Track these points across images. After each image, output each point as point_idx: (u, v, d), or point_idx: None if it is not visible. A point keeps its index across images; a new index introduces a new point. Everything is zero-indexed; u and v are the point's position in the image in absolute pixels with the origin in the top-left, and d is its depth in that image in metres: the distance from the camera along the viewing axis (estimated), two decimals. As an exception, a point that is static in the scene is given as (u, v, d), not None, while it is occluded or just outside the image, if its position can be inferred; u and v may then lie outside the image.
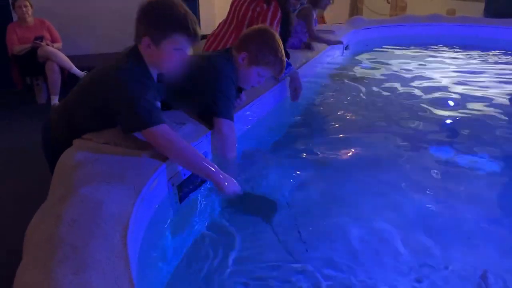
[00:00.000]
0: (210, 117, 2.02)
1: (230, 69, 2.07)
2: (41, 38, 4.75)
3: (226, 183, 1.65)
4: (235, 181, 1.70)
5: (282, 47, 2.11)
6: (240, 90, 2.27)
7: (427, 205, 2.01)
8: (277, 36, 2.12)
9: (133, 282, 1.02)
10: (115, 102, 1.64)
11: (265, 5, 2.97)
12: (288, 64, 2.97)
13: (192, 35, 1.67)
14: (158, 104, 1.73)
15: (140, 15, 1.69)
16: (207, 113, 2.03)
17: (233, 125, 2.02)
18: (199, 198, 1.81)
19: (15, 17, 4.94)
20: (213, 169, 1.65)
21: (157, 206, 1.55)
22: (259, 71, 2.08)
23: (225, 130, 1.98)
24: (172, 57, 1.69)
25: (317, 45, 4.11)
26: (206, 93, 2.02)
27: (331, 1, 4.24)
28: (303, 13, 3.99)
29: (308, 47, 4.06)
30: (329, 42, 4.37)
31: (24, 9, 4.74)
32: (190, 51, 1.75)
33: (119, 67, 1.67)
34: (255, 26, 2.29)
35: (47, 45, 4.77)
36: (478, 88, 3.83)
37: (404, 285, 1.49)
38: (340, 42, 4.58)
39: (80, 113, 1.78)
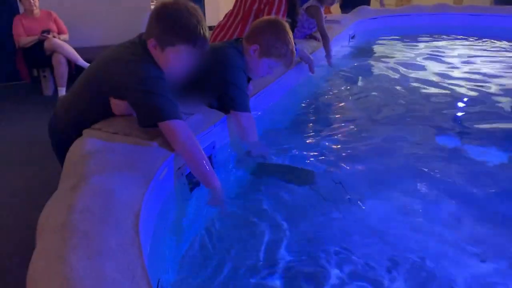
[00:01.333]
0: (223, 108, 2.03)
1: (241, 59, 2.07)
2: (48, 31, 4.77)
3: (221, 196, 1.65)
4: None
5: (293, 38, 2.11)
6: (248, 80, 2.27)
7: (435, 192, 2.03)
8: (288, 27, 2.11)
9: (146, 268, 1.04)
10: (134, 95, 1.63)
11: None
12: None
13: (199, 46, 1.66)
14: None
15: (153, 15, 1.67)
16: (218, 104, 2.04)
17: (251, 116, 2.03)
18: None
19: (21, 9, 4.95)
20: (215, 176, 1.64)
21: (167, 194, 1.57)
22: (270, 62, 2.08)
23: (244, 123, 2.00)
24: (176, 64, 1.69)
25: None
26: (216, 84, 2.02)
27: (336, 0, 4.11)
28: (312, 12, 3.92)
29: (314, 37, 4.04)
30: (327, 52, 3.96)
31: (31, 1, 4.75)
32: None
33: (137, 60, 1.65)
34: (265, 17, 2.27)
35: (54, 37, 4.78)
36: (488, 78, 3.80)
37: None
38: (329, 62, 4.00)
39: (89, 102, 1.78)
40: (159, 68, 1.68)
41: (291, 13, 3.07)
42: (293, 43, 2.09)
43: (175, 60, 1.67)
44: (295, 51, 2.10)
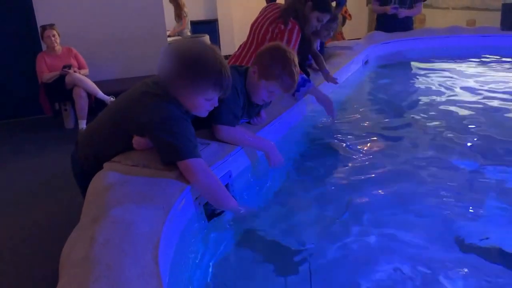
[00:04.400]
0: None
1: (239, 81, 2.09)
2: (69, 66, 4.94)
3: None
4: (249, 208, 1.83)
5: (294, 63, 2.10)
6: (258, 106, 2.29)
7: (454, 215, 2.01)
8: (290, 52, 2.13)
9: (166, 299, 1.06)
10: (154, 135, 1.68)
11: (282, 26, 3.01)
12: (307, 81, 2.97)
13: (224, 89, 1.73)
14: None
15: (176, 62, 1.69)
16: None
17: (230, 130, 2.03)
18: (226, 215, 1.84)
19: (44, 47, 5.15)
20: (231, 200, 1.73)
21: (185, 225, 1.60)
22: (268, 85, 2.09)
23: (220, 136, 2.03)
24: (202, 106, 1.75)
25: (335, 61, 4.14)
26: None
27: (331, 34, 3.76)
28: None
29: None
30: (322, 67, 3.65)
31: (52, 38, 4.94)
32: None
33: (159, 100, 1.69)
34: (269, 43, 2.32)
35: (75, 72, 4.95)
36: (503, 99, 3.77)
37: None
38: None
39: (110, 137, 1.84)
40: (180, 106, 1.73)
41: (304, 45, 3.11)
42: (293, 69, 2.08)
43: (203, 103, 1.74)
44: (294, 77, 2.09)
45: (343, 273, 1.64)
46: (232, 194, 1.94)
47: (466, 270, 1.63)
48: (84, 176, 1.84)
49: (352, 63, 4.55)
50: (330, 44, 5.35)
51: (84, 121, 4.84)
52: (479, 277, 1.60)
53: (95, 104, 4.93)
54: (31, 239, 2.81)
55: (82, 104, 4.86)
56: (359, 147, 2.85)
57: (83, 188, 1.73)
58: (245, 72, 2.16)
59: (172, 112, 1.68)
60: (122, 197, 1.48)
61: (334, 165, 2.63)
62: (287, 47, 2.22)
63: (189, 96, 1.71)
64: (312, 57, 3.62)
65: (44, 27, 4.98)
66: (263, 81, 2.09)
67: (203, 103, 1.74)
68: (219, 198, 1.71)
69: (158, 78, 1.79)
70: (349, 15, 8.31)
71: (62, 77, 4.90)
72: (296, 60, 2.13)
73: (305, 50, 3.11)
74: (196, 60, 1.69)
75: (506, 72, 4.77)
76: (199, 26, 8.16)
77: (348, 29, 8.48)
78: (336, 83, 3.58)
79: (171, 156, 1.66)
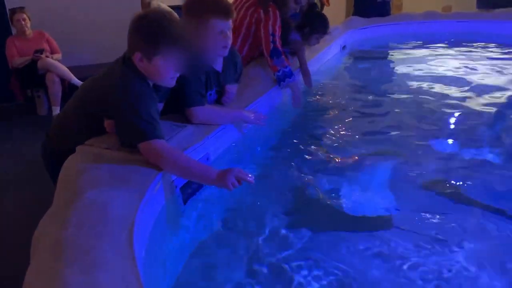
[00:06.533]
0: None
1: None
2: (41, 51, 4.79)
3: (225, 180, 1.58)
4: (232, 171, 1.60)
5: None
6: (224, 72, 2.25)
7: (433, 197, 2.06)
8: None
9: (141, 281, 1.04)
10: (117, 113, 1.64)
11: (261, 11, 2.96)
12: (293, 74, 2.98)
13: (184, 48, 1.66)
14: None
15: (132, 29, 1.66)
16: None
17: (201, 110, 2.01)
18: (203, 198, 1.82)
19: (14, 31, 4.97)
20: (209, 171, 1.61)
21: (161, 207, 1.57)
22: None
23: (194, 119, 2.01)
24: (167, 71, 1.68)
25: (313, 47, 4.12)
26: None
27: (319, 41, 3.60)
28: (295, 48, 3.42)
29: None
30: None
31: (22, 22, 4.77)
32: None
33: (121, 77, 1.65)
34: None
35: (47, 57, 4.80)
36: (477, 83, 3.84)
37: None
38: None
39: (80, 122, 1.80)
40: (144, 82, 1.68)
41: (282, 32, 3.06)
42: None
43: (165, 67, 1.66)
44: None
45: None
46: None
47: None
48: (56, 164, 1.77)
49: (329, 48, 4.54)
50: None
51: (58, 108, 4.71)
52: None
53: (69, 90, 4.79)
54: (2, 226, 2.74)
55: (56, 90, 4.73)
56: (333, 131, 2.86)
57: (54, 176, 1.68)
58: None
59: (128, 91, 1.62)
60: (96, 180, 1.45)
61: (308, 151, 2.63)
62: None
63: (149, 62, 1.64)
64: (302, 74, 3.40)
65: (13, 10, 4.80)
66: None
67: (166, 68, 1.67)
68: (195, 171, 1.62)
69: (120, 57, 1.75)
70: (327, 0, 8.27)
71: (34, 62, 4.75)
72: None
73: (283, 34, 3.07)
74: (150, 22, 1.63)
75: (481, 57, 4.85)
76: (175, 12, 8.02)
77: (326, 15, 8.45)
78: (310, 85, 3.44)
79: (129, 137, 1.61)
